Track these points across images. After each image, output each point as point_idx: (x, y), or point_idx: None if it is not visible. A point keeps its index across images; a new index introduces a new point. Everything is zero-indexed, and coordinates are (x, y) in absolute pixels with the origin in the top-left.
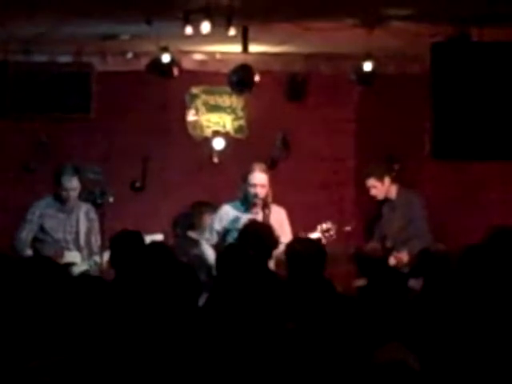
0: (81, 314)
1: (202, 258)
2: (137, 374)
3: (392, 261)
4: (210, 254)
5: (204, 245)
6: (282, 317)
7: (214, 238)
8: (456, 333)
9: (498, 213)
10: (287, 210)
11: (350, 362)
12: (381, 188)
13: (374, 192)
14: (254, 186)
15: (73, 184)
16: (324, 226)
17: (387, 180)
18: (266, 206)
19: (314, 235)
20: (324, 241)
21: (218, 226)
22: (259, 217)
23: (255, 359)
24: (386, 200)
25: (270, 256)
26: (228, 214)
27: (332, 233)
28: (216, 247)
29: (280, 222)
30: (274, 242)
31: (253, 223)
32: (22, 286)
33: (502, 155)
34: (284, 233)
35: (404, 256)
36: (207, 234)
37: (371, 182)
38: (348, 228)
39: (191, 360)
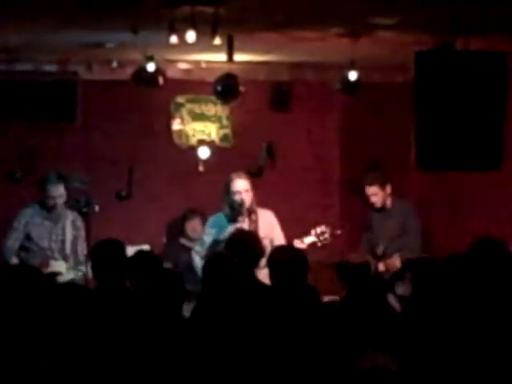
0: (65, 322)
1: (192, 267)
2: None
3: (381, 267)
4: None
5: (196, 258)
6: (267, 324)
7: (204, 251)
8: (439, 339)
9: (481, 221)
10: None
11: (333, 368)
12: (382, 196)
13: (374, 199)
14: (239, 192)
15: (59, 191)
16: (318, 229)
17: (388, 188)
18: (251, 212)
19: (309, 239)
20: (319, 244)
21: (207, 239)
22: (245, 225)
23: (242, 367)
24: (382, 209)
25: (256, 264)
26: (215, 225)
27: (327, 236)
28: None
29: (271, 225)
30: (261, 250)
31: (238, 232)
32: (6, 295)
33: (486, 165)
34: (277, 235)
35: (396, 261)
36: (198, 247)
37: (373, 189)
38: (338, 232)
39: (177, 367)
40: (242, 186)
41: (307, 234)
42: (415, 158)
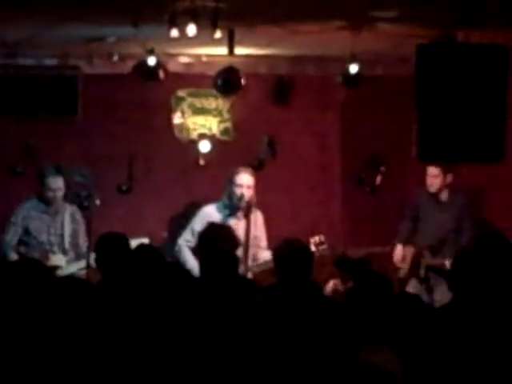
0: (66, 316)
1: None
2: (125, 376)
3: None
4: (189, 258)
5: (183, 247)
6: (268, 319)
7: (195, 240)
8: (444, 336)
9: (482, 213)
10: (273, 212)
11: (334, 363)
12: (442, 180)
13: (432, 181)
14: (240, 186)
15: (57, 184)
16: (317, 238)
17: (450, 177)
18: (249, 210)
19: None
20: (317, 254)
21: (199, 228)
22: (242, 223)
23: (243, 363)
24: (433, 197)
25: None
26: (211, 216)
27: (325, 246)
28: (196, 250)
29: (261, 226)
30: (236, 243)
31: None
32: (7, 289)
33: (487, 158)
34: (263, 236)
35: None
36: (188, 236)
37: (436, 171)
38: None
39: (181, 361)
40: (245, 181)
41: (305, 236)
42: (417, 151)
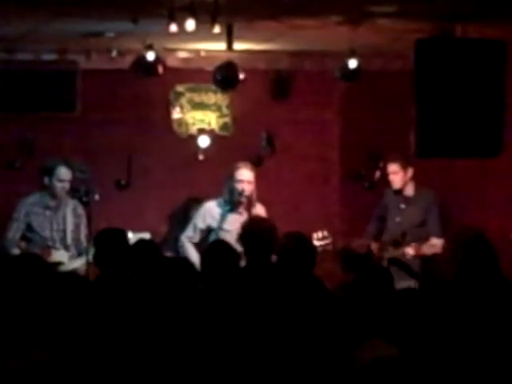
0: (65, 312)
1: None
2: (126, 371)
3: (410, 251)
4: (192, 253)
5: (186, 243)
6: (271, 313)
7: (197, 237)
8: (442, 330)
9: (481, 209)
10: (272, 208)
11: (336, 358)
12: (402, 176)
13: (393, 178)
14: (241, 181)
15: (68, 175)
16: (320, 234)
17: (410, 171)
18: (250, 205)
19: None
20: (320, 249)
21: (201, 224)
22: (244, 217)
23: (246, 357)
24: (399, 193)
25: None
26: (212, 212)
27: (329, 241)
28: (198, 246)
29: None
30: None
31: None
32: (9, 284)
33: (486, 153)
34: None
35: (437, 245)
36: (190, 232)
37: (394, 167)
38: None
39: (180, 357)
40: (245, 176)
41: (304, 229)
42: (415, 146)
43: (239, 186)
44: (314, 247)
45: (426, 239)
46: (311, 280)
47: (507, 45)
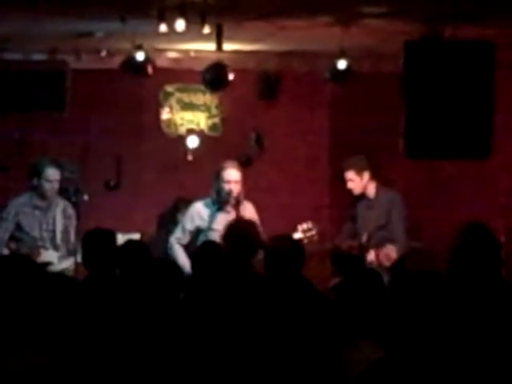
0: (53, 314)
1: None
2: (114, 372)
3: (371, 256)
4: (180, 254)
5: (174, 245)
6: (260, 315)
7: (186, 238)
8: (430, 331)
9: (471, 210)
10: (261, 208)
11: (323, 359)
12: (359, 182)
13: (350, 185)
14: (228, 182)
15: (56, 175)
16: (305, 225)
17: (366, 175)
18: (238, 203)
19: (296, 236)
20: (306, 241)
21: (189, 226)
22: (232, 215)
23: (234, 358)
24: (363, 197)
25: (254, 255)
26: (200, 213)
27: (313, 232)
28: (187, 247)
29: (252, 217)
30: (260, 240)
31: (238, 222)
32: None
33: (475, 154)
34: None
35: (392, 252)
36: (178, 234)
37: (350, 174)
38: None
39: (170, 358)
40: (233, 177)
41: (294, 230)
42: (404, 147)
43: (227, 187)
44: (303, 249)
45: (391, 241)
46: (300, 281)
47: (496, 46)
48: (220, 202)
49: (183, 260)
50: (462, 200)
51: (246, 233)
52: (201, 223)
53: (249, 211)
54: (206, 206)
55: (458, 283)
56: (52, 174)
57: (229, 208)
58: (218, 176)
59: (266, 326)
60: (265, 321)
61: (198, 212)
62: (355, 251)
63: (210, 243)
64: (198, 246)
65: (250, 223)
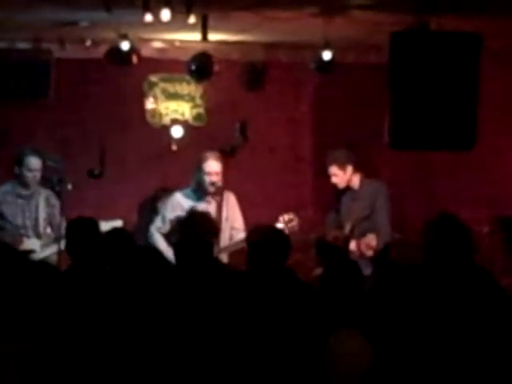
0: (35, 301)
1: None
2: (99, 361)
3: (352, 246)
4: (161, 244)
5: (155, 234)
6: (245, 305)
7: (166, 227)
8: (411, 322)
9: (455, 201)
10: (245, 198)
11: (308, 348)
12: (342, 176)
13: (335, 180)
14: (209, 174)
15: (37, 164)
16: (286, 216)
17: (349, 168)
18: (219, 194)
19: (278, 226)
20: (287, 231)
21: (170, 215)
22: (213, 205)
23: (217, 347)
24: (348, 189)
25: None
26: (181, 203)
27: (295, 223)
28: (167, 236)
29: (232, 207)
30: (217, 230)
31: (193, 214)
32: None
33: (460, 145)
34: (237, 217)
35: (372, 240)
36: (159, 223)
37: (333, 169)
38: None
39: (155, 347)
40: (214, 168)
41: (275, 220)
42: (389, 138)
43: (208, 179)
44: (287, 239)
45: (374, 231)
46: (284, 271)
47: (482, 38)
48: (201, 192)
49: (164, 249)
50: (446, 191)
51: (202, 222)
52: (181, 213)
53: (230, 201)
54: (187, 196)
55: (431, 272)
56: (33, 163)
57: (209, 198)
58: (199, 167)
59: (250, 316)
60: (249, 310)
61: (179, 202)
62: (340, 242)
63: (193, 235)
64: (180, 237)
65: (205, 214)
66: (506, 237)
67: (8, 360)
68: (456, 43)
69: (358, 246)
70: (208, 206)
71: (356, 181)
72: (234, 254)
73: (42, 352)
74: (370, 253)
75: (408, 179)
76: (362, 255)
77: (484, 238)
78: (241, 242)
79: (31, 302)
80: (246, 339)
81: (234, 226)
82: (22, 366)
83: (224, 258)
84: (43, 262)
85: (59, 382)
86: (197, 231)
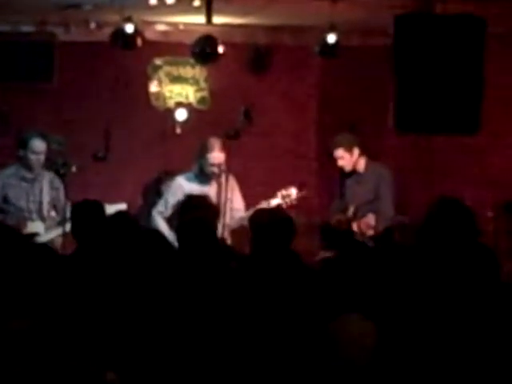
0: (39, 283)
1: None
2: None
3: (354, 227)
4: (163, 228)
5: (157, 218)
6: (248, 288)
7: (169, 211)
8: (416, 304)
9: (458, 185)
10: (248, 181)
11: (311, 332)
12: (349, 159)
13: (341, 163)
14: (213, 165)
15: (42, 147)
16: (284, 191)
17: (356, 151)
18: (220, 176)
19: (275, 201)
20: (284, 206)
21: (172, 200)
22: (214, 188)
23: (220, 330)
24: (353, 172)
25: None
26: (182, 187)
27: (293, 197)
28: (169, 220)
29: (233, 188)
30: (217, 212)
31: (190, 198)
32: None
33: (464, 129)
34: (238, 198)
35: (371, 219)
36: (161, 207)
37: (339, 152)
38: (304, 192)
39: (158, 331)
40: (218, 160)
41: (274, 196)
42: (394, 121)
43: (211, 169)
44: (291, 221)
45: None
46: (288, 255)
47: (487, 21)
48: (203, 176)
49: (165, 233)
50: (449, 175)
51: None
52: (183, 198)
53: (231, 183)
54: (189, 179)
55: (434, 254)
56: (38, 145)
57: (211, 181)
58: (203, 156)
59: (254, 299)
60: (253, 293)
61: (181, 186)
62: (344, 226)
63: (196, 218)
64: (184, 221)
65: (204, 197)
66: (510, 221)
67: (5, 340)
68: (460, 26)
69: (359, 226)
70: (210, 189)
71: (362, 164)
72: (237, 233)
73: (41, 332)
74: (370, 232)
75: (411, 162)
76: (362, 234)
77: (488, 222)
78: (241, 219)
79: (29, 283)
80: (250, 322)
81: (233, 206)
82: (19, 346)
83: (228, 239)
84: (42, 244)
85: (59, 363)
86: (195, 215)
